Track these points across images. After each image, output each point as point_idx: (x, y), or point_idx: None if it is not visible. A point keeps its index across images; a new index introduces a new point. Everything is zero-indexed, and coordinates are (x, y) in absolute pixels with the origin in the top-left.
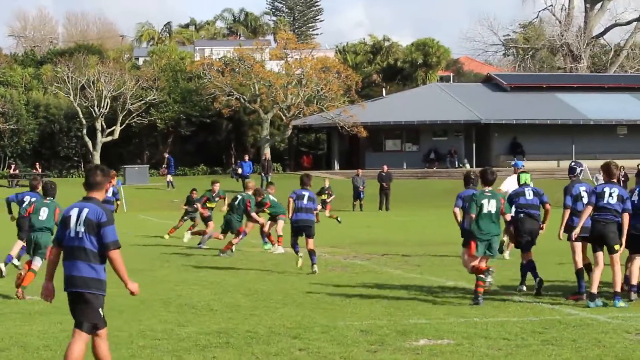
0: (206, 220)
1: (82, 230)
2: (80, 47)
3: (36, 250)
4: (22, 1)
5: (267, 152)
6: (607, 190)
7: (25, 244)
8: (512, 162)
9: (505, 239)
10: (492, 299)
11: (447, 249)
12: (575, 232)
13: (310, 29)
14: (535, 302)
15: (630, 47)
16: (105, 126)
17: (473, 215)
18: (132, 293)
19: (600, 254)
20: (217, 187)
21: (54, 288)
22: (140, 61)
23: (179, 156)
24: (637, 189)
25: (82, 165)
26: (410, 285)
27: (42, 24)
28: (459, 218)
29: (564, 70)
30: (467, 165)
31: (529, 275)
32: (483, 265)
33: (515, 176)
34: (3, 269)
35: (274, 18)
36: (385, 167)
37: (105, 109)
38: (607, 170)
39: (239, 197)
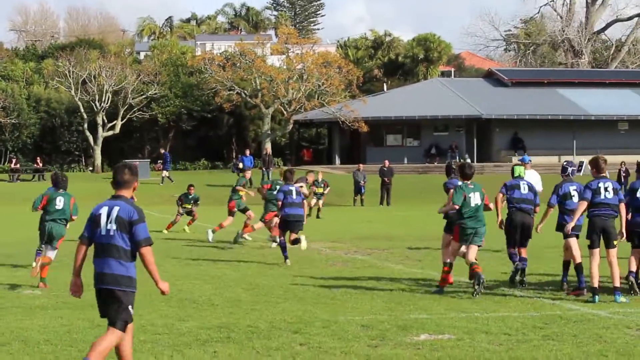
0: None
1: (114, 228)
2: (82, 42)
3: (50, 242)
4: None
5: (268, 147)
6: (601, 185)
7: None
8: (519, 158)
9: None
10: (494, 294)
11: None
12: (568, 228)
13: (312, 24)
14: (536, 297)
15: (632, 43)
16: (106, 120)
17: (457, 207)
18: (162, 292)
19: (597, 250)
20: (192, 190)
21: (82, 284)
22: (142, 56)
23: (180, 151)
24: None
25: (83, 160)
26: (411, 280)
27: (44, 19)
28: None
29: (565, 66)
30: (468, 160)
31: (527, 271)
32: (479, 268)
33: (527, 170)
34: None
35: (275, 13)
36: (387, 162)
37: (107, 104)
38: (596, 165)
39: (278, 186)
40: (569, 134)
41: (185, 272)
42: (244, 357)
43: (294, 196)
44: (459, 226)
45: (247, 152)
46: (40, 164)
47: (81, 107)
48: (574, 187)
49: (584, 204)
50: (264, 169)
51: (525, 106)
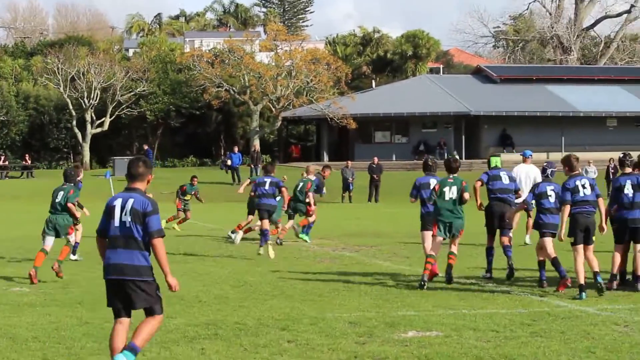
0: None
1: (129, 219)
2: (70, 39)
3: (58, 233)
4: None
5: (256, 144)
6: (578, 183)
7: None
8: (521, 153)
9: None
10: (481, 291)
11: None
12: (560, 235)
13: (300, 21)
14: (524, 294)
15: (621, 39)
16: (94, 117)
17: (431, 202)
18: (170, 288)
19: (581, 247)
20: (195, 181)
21: None
22: (130, 52)
23: (169, 148)
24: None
25: (72, 157)
26: (399, 277)
27: (32, 16)
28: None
29: (554, 62)
30: (457, 157)
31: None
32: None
33: (525, 165)
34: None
35: (264, 9)
36: (376, 159)
37: (95, 101)
38: (568, 163)
39: (301, 183)
40: (558, 131)
41: (173, 269)
42: (231, 354)
43: (267, 187)
44: (435, 219)
45: (236, 149)
46: (29, 161)
47: (70, 104)
48: (552, 187)
49: (567, 207)
50: (252, 166)
51: (514, 103)
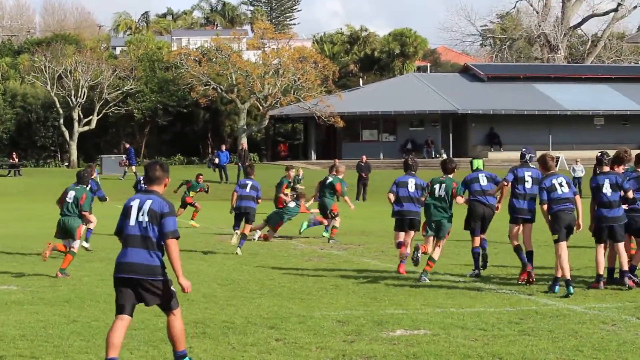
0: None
1: (146, 220)
2: (58, 37)
3: (68, 236)
4: None
5: (244, 142)
6: (555, 181)
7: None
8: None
9: None
10: (469, 289)
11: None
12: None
13: (288, 19)
14: (512, 293)
15: (608, 38)
16: (82, 116)
17: (423, 199)
18: (183, 289)
19: (565, 244)
20: (201, 179)
21: None
22: (118, 51)
23: (156, 146)
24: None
25: (59, 155)
26: (387, 276)
27: (20, 14)
28: (392, 200)
29: (541, 61)
30: (444, 155)
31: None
32: (407, 251)
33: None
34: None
35: (251, 8)
36: (364, 157)
37: (82, 99)
38: (543, 162)
39: (330, 178)
40: (545, 129)
41: None
42: (219, 352)
43: (248, 190)
44: (425, 216)
45: (223, 147)
46: (16, 160)
47: (57, 103)
48: (529, 173)
49: (545, 206)
50: (239, 165)
51: (501, 101)
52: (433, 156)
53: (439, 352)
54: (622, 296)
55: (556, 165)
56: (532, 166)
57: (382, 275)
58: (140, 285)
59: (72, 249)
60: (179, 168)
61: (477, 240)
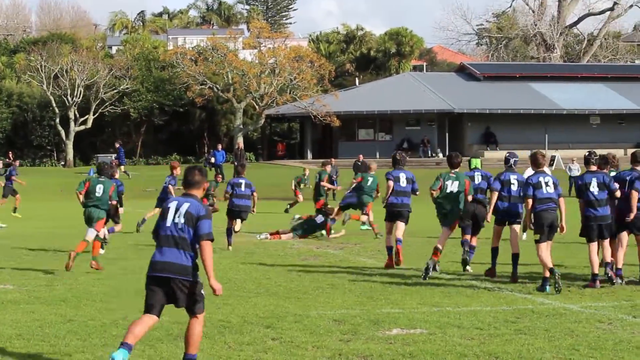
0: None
1: (182, 221)
2: (54, 36)
3: (90, 223)
4: None
5: (240, 142)
6: (541, 180)
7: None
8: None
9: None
10: (465, 288)
11: (420, 238)
12: (527, 223)
13: (284, 18)
14: (508, 292)
15: (604, 37)
16: (78, 115)
17: (434, 192)
18: (214, 291)
19: (545, 244)
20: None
21: None
22: (114, 50)
23: (152, 145)
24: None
25: (55, 155)
26: (383, 275)
27: (16, 13)
28: (391, 188)
29: (537, 60)
30: (440, 155)
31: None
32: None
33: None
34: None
35: (247, 7)
36: (361, 157)
37: (78, 98)
38: (534, 160)
39: (370, 178)
40: (541, 128)
41: None
42: (215, 351)
43: (243, 188)
44: (438, 214)
45: (219, 146)
46: (12, 159)
47: (53, 102)
48: (515, 177)
49: (529, 202)
50: (235, 164)
51: (497, 100)
52: (429, 155)
53: (435, 351)
54: (618, 295)
55: (552, 165)
56: (516, 170)
57: (378, 275)
58: (173, 284)
59: (98, 237)
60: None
61: (467, 235)
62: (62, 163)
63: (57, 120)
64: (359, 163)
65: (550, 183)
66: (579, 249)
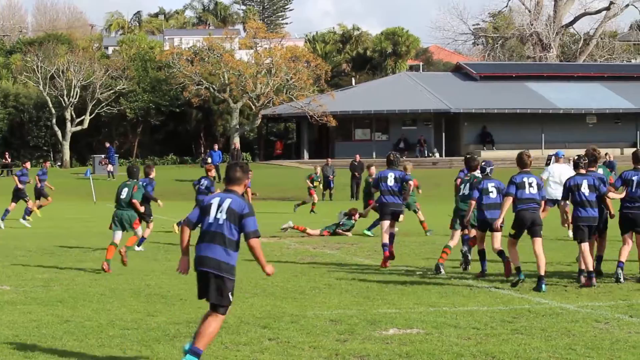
0: None
1: (224, 217)
2: (50, 37)
3: (124, 227)
4: None
5: (236, 142)
6: (525, 180)
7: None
8: (554, 153)
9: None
10: (462, 288)
11: (415, 238)
12: (497, 225)
13: (280, 18)
14: (504, 291)
15: (600, 36)
16: (74, 116)
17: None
18: (268, 274)
19: (517, 241)
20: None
21: (189, 262)
22: (110, 50)
23: (149, 146)
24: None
25: (52, 155)
26: (380, 275)
27: (12, 13)
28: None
29: (533, 60)
30: (437, 155)
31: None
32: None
33: (559, 165)
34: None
35: (243, 7)
36: (358, 157)
37: (75, 99)
38: (520, 160)
39: (410, 178)
40: (538, 128)
41: (153, 267)
42: (212, 352)
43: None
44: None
45: (216, 146)
46: (9, 159)
47: (49, 102)
48: (493, 184)
49: (509, 200)
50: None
51: (494, 100)
52: (426, 155)
53: (432, 351)
54: (615, 295)
55: (549, 164)
56: (493, 178)
57: (375, 275)
58: (208, 277)
59: (136, 233)
60: (172, 168)
61: (457, 235)
62: (59, 164)
63: (54, 120)
64: (356, 163)
65: (534, 184)
66: (577, 248)
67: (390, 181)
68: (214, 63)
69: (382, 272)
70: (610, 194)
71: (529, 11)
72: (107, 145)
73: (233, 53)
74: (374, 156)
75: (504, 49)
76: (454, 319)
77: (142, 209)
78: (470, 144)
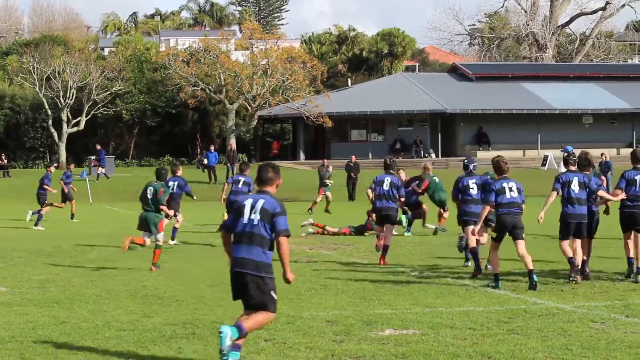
0: None
1: (258, 218)
2: (46, 38)
3: (148, 229)
4: None
5: (232, 143)
6: (505, 185)
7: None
8: (563, 149)
9: None
10: (458, 288)
11: (412, 238)
12: (473, 230)
13: (276, 19)
14: (500, 291)
15: (596, 36)
16: (70, 117)
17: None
18: (287, 281)
19: (499, 244)
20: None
21: None
22: (106, 52)
23: (145, 147)
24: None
25: (48, 156)
26: (376, 276)
27: (8, 15)
28: (371, 197)
29: (529, 60)
30: (433, 155)
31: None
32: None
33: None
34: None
35: (239, 8)
36: (353, 158)
37: (71, 100)
38: (497, 167)
39: (435, 178)
40: (534, 128)
41: (149, 268)
42: (208, 353)
43: (240, 185)
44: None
45: (212, 148)
46: (5, 161)
47: (45, 104)
48: (473, 180)
49: (487, 208)
50: (228, 165)
51: (490, 101)
52: (422, 156)
53: (428, 352)
54: (611, 295)
55: (545, 165)
56: (475, 174)
57: (371, 275)
58: (247, 279)
59: (157, 243)
60: (168, 169)
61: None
62: (55, 165)
63: (50, 122)
64: (351, 164)
65: (514, 188)
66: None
67: (386, 185)
68: (210, 64)
69: (378, 272)
70: (606, 196)
71: (525, 11)
72: (98, 147)
73: (229, 54)
74: (370, 157)
75: (500, 50)
76: (450, 320)
77: (170, 212)
78: (466, 144)
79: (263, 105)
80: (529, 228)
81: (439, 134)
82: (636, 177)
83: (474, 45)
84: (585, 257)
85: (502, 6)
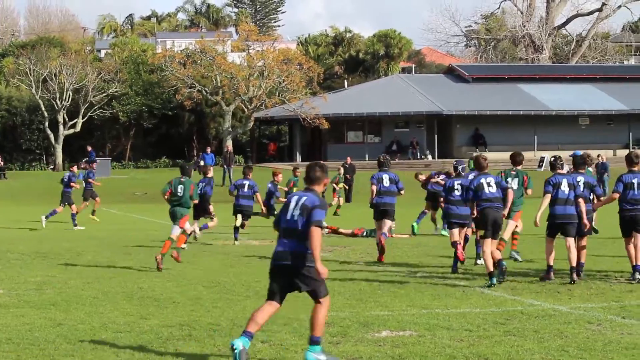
0: None
1: (298, 213)
2: (42, 40)
3: (174, 220)
4: None
5: (229, 144)
6: (483, 181)
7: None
8: (571, 153)
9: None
10: (454, 290)
11: (409, 239)
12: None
13: (272, 21)
14: (497, 293)
15: (592, 38)
16: (67, 119)
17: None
18: (318, 274)
19: (490, 240)
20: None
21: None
22: (102, 53)
23: (141, 149)
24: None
25: (45, 158)
26: (372, 277)
27: (4, 16)
28: (375, 192)
29: (525, 61)
30: (429, 157)
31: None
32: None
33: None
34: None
35: (235, 10)
36: (349, 159)
37: (67, 102)
38: (477, 164)
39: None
40: (530, 130)
41: (146, 270)
42: (205, 355)
43: (245, 190)
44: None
45: (208, 149)
46: (1, 163)
47: (42, 106)
48: (459, 182)
49: (469, 204)
50: (225, 167)
51: (486, 102)
52: (418, 157)
53: (425, 353)
54: (607, 296)
55: (541, 166)
56: (463, 176)
57: (367, 277)
58: (293, 272)
59: (184, 232)
60: (165, 171)
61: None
62: (52, 167)
63: (46, 124)
64: (347, 165)
65: (493, 183)
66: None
67: (386, 182)
68: (206, 66)
69: (375, 274)
70: (600, 200)
71: (522, 13)
72: (89, 149)
73: (225, 56)
74: (367, 159)
75: (497, 51)
76: (447, 321)
77: (215, 220)
78: (462, 145)
79: (259, 107)
80: (526, 229)
81: (436, 136)
82: (633, 180)
83: (470, 46)
84: (582, 260)
85: (499, 7)
